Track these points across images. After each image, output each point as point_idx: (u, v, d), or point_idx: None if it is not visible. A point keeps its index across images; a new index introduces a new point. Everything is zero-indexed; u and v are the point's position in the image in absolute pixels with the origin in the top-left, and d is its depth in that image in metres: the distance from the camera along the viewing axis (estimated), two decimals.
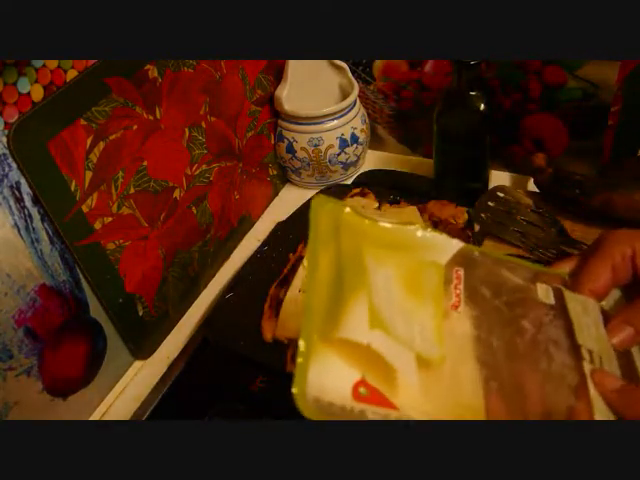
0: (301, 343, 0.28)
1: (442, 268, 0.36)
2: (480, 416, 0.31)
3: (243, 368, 0.62)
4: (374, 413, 0.28)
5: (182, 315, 0.72)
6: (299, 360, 0.28)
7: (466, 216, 0.71)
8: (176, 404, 0.64)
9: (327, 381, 0.28)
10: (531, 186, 0.76)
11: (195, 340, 0.69)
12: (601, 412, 0.32)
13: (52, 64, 0.52)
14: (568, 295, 0.37)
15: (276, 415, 0.55)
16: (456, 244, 0.37)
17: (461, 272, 0.37)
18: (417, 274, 0.35)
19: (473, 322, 0.35)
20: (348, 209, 0.35)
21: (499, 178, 0.80)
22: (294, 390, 0.27)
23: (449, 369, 0.32)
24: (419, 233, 0.36)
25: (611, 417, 0.32)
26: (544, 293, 0.37)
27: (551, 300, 0.37)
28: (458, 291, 0.36)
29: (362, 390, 0.29)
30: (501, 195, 0.71)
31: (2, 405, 0.52)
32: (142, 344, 0.66)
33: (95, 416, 0.62)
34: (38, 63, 0.50)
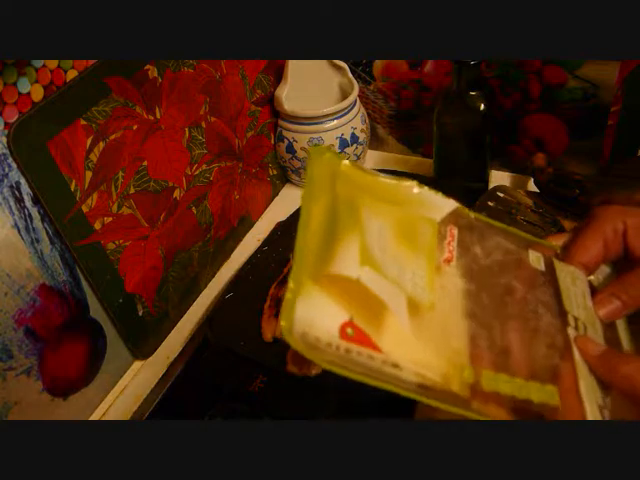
0: (290, 281, 0.28)
1: (436, 224, 0.36)
2: (465, 368, 0.31)
3: (243, 368, 0.62)
4: (359, 354, 0.29)
5: (182, 315, 0.72)
6: (288, 296, 0.28)
7: None
8: (176, 404, 0.64)
9: (315, 318, 0.28)
10: (531, 186, 0.76)
11: (195, 340, 0.69)
12: (585, 378, 0.33)
13: (52, 64, 0.52)
14: (558, 265, 0.38)
15: (276, 415, 0.55)
16: (452, 203, 0.37)
17: (455, 231, 0.37)
18: (411, 227, 0.35)
19: (464, 278, 0.35)
20: (346, 161, 0.35)
21: (499, 178, 0.80)
22: (282, 323, 0.27)
23: (437, 319, 0.32)
24: (415, 189, 0.36)
25: (594, 383, 0.33)
26: (535, 260, 0.38)
27: (542, 267, 0.38)
28: (451, 247, 0.36)
29: (349, 331, 0.29)
30: (501, 195, 0.71)
31: (2, 405, 0.52)
32: (142, 344, 0.66)
33: (95, 416, 0.62)
34: (38, 63, 0.50)
